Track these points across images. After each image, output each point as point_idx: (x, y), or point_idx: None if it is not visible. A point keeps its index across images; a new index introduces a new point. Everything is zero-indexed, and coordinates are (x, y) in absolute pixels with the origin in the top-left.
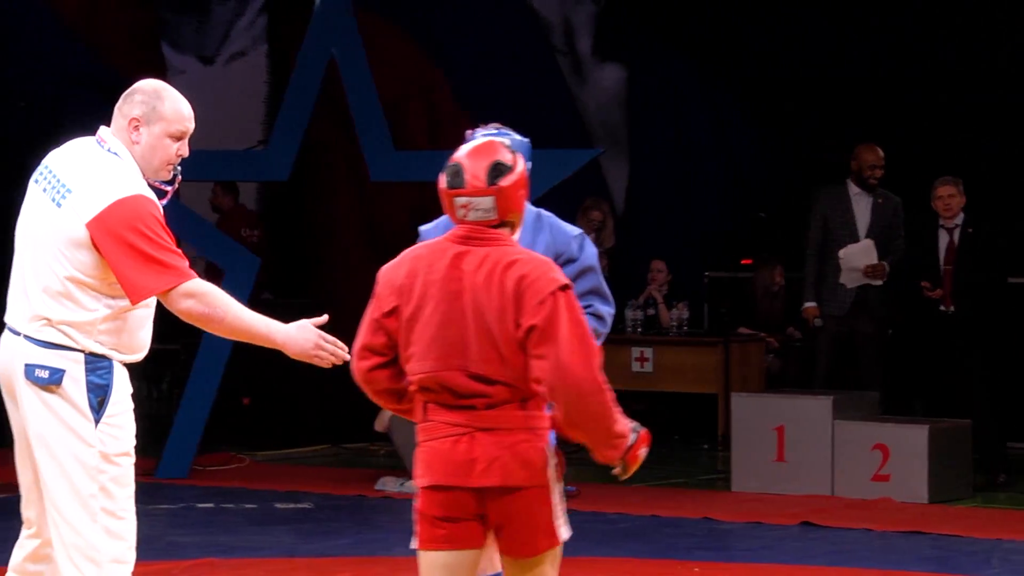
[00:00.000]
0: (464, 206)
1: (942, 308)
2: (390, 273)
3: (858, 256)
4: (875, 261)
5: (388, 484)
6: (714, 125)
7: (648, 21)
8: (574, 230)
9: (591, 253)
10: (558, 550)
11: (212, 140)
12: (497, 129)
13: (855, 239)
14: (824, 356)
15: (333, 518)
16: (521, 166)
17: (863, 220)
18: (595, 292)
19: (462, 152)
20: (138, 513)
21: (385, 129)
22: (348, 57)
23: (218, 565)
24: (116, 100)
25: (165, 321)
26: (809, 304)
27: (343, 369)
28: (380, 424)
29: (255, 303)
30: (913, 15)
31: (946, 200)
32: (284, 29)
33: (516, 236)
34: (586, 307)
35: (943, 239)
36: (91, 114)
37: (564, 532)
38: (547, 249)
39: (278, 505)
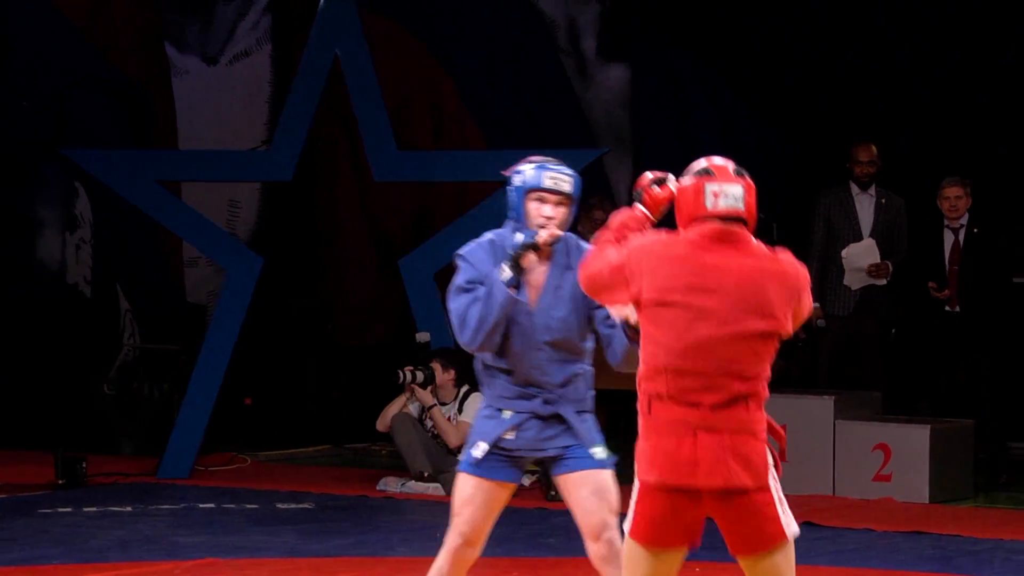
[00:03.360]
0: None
1: (947, 308)
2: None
3: (861, 255)
4: (878, 260)
5: (390, 484)
6: (719, 125)
7: (653, 21)
8: None
9: None
10: (789, 546)
11: (216, 140)
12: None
13: (858, 239)
14: (827, 356)
15: (335, 518)
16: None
17: (866, 220)
18: None
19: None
20: (140, 513)
21: (389, 129)
22: (352, 57)
23: (220, 565)
24: (121, 101)
25: (167, 321)
26: (812, 305)
27: (343, 369)
28: (382, 424)
29: (260, 303)
30: (920, 14)
31: (952, 201)
32: (288, 29)
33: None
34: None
35: (948, 239)
36: (96, 115)
37: (790, 530)
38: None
39: (280, 505)
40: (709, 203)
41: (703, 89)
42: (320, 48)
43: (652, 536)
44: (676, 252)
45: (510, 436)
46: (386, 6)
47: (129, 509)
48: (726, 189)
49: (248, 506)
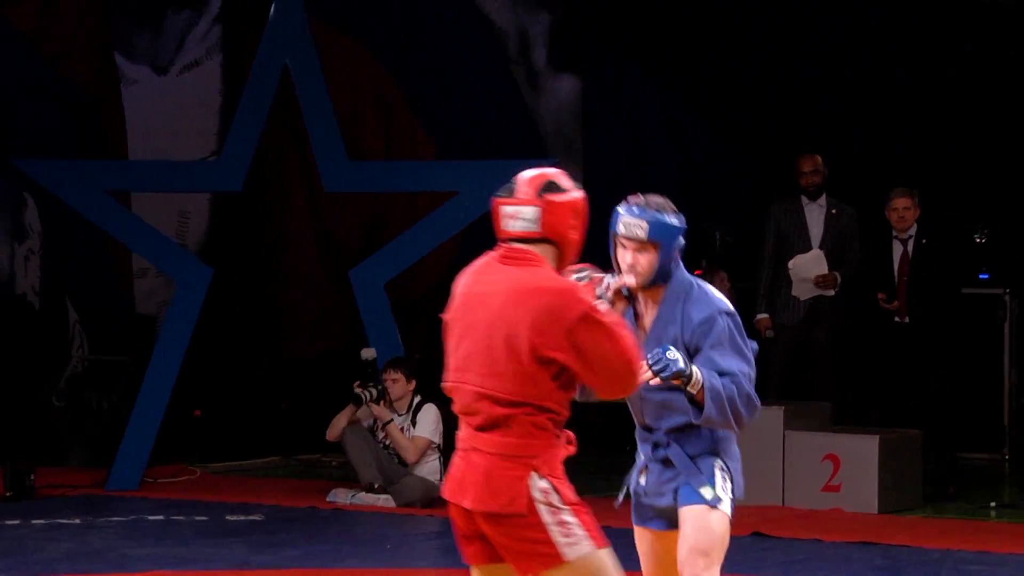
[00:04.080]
0: (511, 215)
1: (897, 319)
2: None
3: (808, 266)
4: (826, 271)
5: (339, 496)
6: (668, 136)
7: (604, 31)
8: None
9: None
10: (571, 568)
11: (166, 151)
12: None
13: (807, 249)
14: (778, 367)
15: (284, 530)
16: (577, 194)
17: (816, 230)
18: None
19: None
20: (89, 525)
21: (339, 139)
22: (302, 67)
23: None
24: (70, 110)
25: (116, 332)
26: (761, 315)
27: (293, 380)
28: (332, 434)
29: (209, 314)
30: (869, 25)
31: (901, 212)
32: (239, 39)
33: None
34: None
35: (897, 249)
36: (45, 124)
37: (572, 552)
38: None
39: (229, 517)
40: (503, 224)
41: (653, 99)
42: (270, 58)
43: (462, 553)
44: (470, 269)
45: (642, 480)
46: (336, 17)
47: (77, 521)
48: (521, 211)
49: (197, 518)
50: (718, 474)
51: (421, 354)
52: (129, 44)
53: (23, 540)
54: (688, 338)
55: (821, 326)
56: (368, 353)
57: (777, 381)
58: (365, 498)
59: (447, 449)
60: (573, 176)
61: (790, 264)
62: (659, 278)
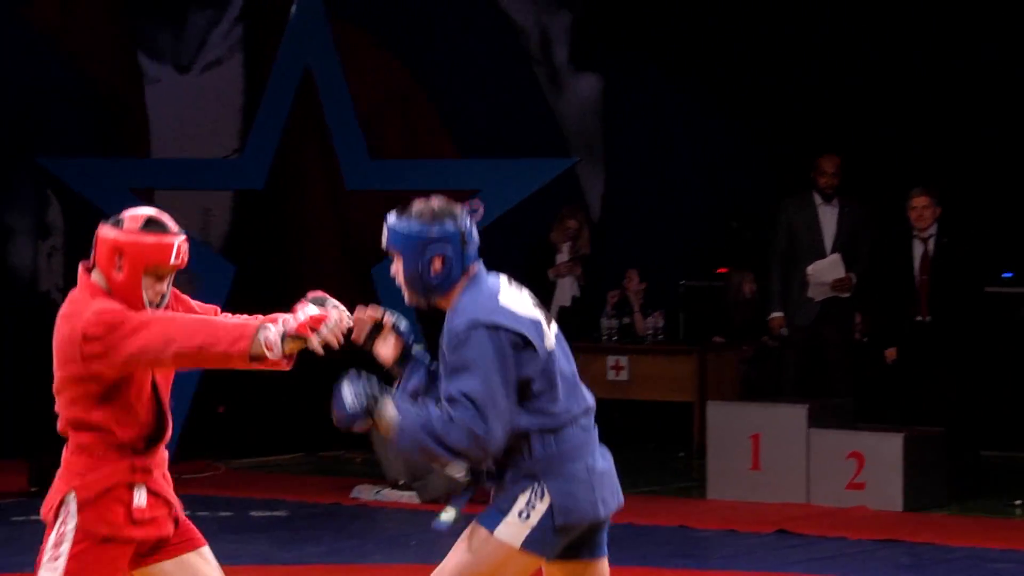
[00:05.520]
0: None
1: (918, 318)
2: None
3: (826, 271)
4: (843, 275)
5: (364, 492)
6: (690, 134)
7: (624, 30)
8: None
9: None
10: None
11: (188, 149)
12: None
13: (820, 248)
14: (792, 365)
15: (308, 526)
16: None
17: (828, 229)
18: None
19: None
20: None
21: (360, 138)
22: (323, 66)
23: None
24: (93, 109)
25: None
26: (775, 314)
27: (320, 377)
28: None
29: (232, 311)
30: (891, 24)
31: (920, 211)
32: (260, 38)
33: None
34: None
35: (918, 249)
36: (69, 123)
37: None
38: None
39: (253, 513)
40: None
41: (674, 98)
42: (291, 57)
43: None
44: None
45: None
46: (357, 16)
47: None
48: None
49: (222, 514)
50: (520, 499)
51: None
52: (152, 43)
53: None
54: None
55: (834, 325)
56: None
57: (792, 379)
58: (389, 494)
59: None
60: (595, 175)
61: (809, 270)
62: (423, 290)
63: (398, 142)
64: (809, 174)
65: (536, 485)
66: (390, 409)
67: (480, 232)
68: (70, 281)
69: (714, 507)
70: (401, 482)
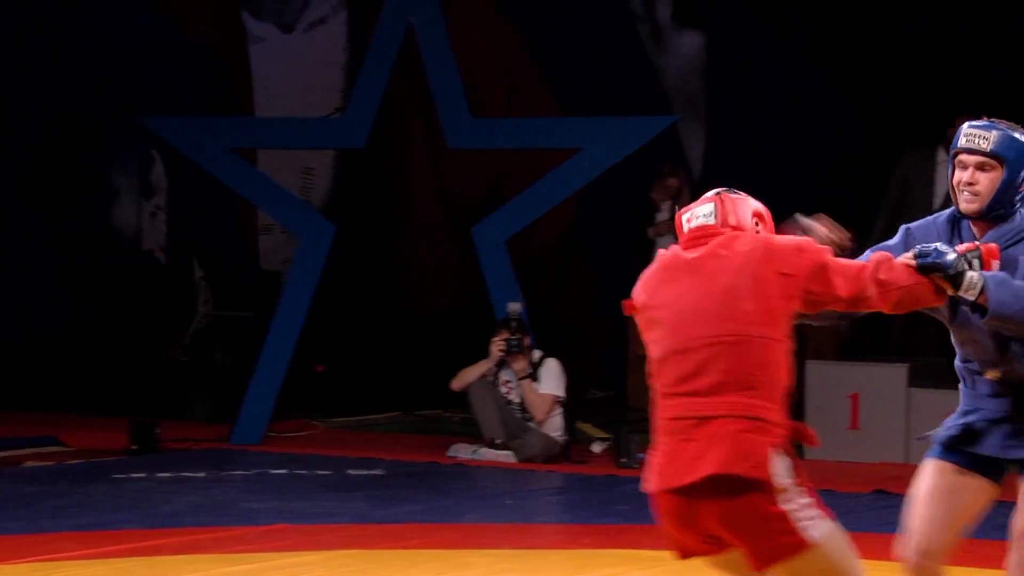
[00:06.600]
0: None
1: None
2: None
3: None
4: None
5: (461, 451)
6: (791, 92)
7: None
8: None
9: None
10: (816, 550)
11: (291, 108)
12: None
13: (929, 205)
14: (896, 320)
15: (405, 484)
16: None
17: (940, 187)
18: None
19: None
20: (213, 479)
21: (463, 96)
22: (426, 24)
23: (291, 531)
24: (196, 68)
25: (241, 288)
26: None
27: (415, 336)
28: (458, 384)
29: (333, 270)
30: None
31: None
32: None
33: None
34: None
35: None
36: (169, 84)
37: (814, 533)
38: None
39: (351, 471)
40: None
41: (776, 57)
42: (395, 15)
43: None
44: None
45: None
46: None
47: (202, 475)
48: (695, 211)
49: (319, 472)
50: None
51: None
52: (255, 2)
53: (148, 493)
54: None
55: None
56: (514, 307)
57: (897, 339)
58: (486, 453)
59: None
60: (696, 133)
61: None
62: (997, 206)
63: (500, 101)
64: (939, 132)
65: None
66: (978, 274)
67: (581, 190)
68: (172, 240)
69: (812, 467)
70: (498, 441)
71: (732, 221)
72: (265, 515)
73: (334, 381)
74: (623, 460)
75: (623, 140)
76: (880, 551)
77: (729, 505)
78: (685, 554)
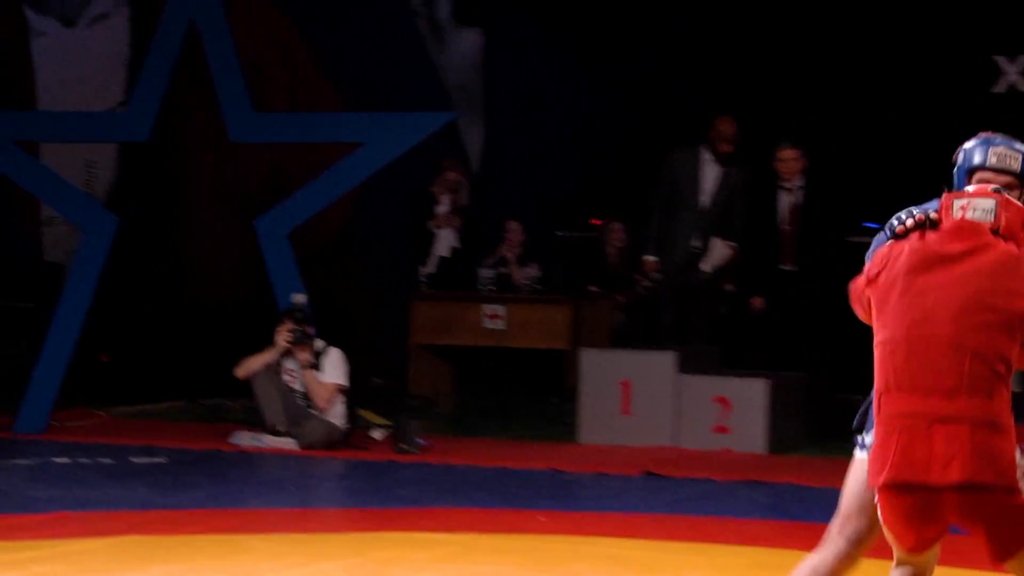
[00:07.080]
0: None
1: (783, 267)
2: None
3: (715, 258)
4: (729, 253)
5: (243, 438)
6: (565, 90)
7: None
8: None
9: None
10: None
11: (74, 102)
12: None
13: (695, 203)
14: (668, 309)
15: (188, 472)
16: None
17: (708, 186)
18: None
19: None
20: None
21: (244, 90)
22: (208, 20)
23: (73, 519)
24: None
25: (24, 279)
26: (649, 258)
27: (198, 327)
28: (242, 372)
29: (116, 261)
30: None
31: (788, 163)
32: None
33: None
34: None
35: (784, 200)
36: None
37: None
38: None
39: (134, 459)
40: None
41: (550, 56)
42: (177, 11)
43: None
44: None
45: None
46: None
47: None
48: (974, 202)
49: (103, 460)
50: None
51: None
52: None
53: None
54: None
55: (701, 273)
56: (299, 298)
57: (669, 323)
58: (268, 440)
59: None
60: (475, 129)
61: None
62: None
63: (282, 95)
64: (702, 131)
65: None
66: None
67: (362, 183)
68: None
69: (585, 451)
70: (280, 428)
71: (1003, 223)
72: (48, 503)
73: (118, 371)
74: (402, 446)
75: (404, 135)
76: (650, 531)
77: (974, 501)
78: (920, 547)
